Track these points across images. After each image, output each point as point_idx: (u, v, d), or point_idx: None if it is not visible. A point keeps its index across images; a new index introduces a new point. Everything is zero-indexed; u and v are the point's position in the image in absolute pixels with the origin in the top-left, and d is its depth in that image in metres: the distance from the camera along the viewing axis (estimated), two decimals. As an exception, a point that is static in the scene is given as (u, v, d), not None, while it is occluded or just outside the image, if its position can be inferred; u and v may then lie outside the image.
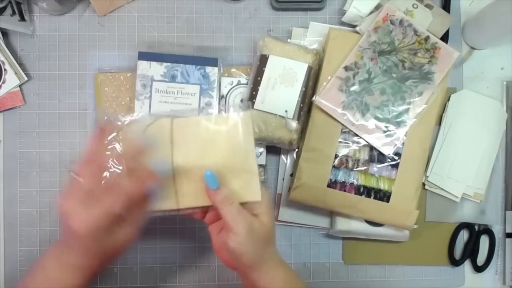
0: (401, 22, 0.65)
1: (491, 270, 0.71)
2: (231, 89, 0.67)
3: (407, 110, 0.64)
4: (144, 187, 0.48)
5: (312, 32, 0.69)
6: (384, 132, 0.64)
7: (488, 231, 0.70)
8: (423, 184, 0.69)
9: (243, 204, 0.50)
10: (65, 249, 0.49)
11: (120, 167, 0.48)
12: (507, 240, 0.70)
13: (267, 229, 0.50)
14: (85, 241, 0.47)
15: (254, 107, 0.63)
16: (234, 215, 0.48)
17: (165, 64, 0.65)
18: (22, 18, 0.66)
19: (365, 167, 0.64)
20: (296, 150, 0.68)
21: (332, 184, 0.64)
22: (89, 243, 0.47)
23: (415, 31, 0.65)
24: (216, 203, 0.49)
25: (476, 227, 0.71)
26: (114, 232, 0.48)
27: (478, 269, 0.70)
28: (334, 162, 0.64)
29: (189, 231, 0.68)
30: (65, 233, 0.48)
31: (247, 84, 0.67)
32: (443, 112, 0.70)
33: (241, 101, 0.66)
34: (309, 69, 0.64)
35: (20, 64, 0.67)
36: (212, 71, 0.66)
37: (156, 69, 0.65)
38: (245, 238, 0.48)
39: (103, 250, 0.49)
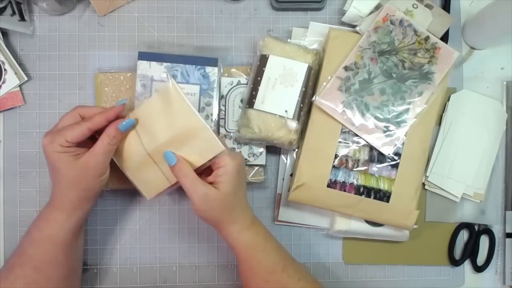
0: (401, 22, 0.65)
1: (491, 270, 0.71)
2: (231, 89, 0.67)
3: (407, 110, 0.64)
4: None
5: (312, 32, 0.69)
6: (384, 132, 0.64)
7: (488, 231, 0.70)
8: (423, 184, 0.69)
9: (212, 163, 0.57)
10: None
11: None
12: (507, 240, 0.70)
13: (223, 197, 0.55)
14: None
15: (254, 107, 0.64)
16: (189, 186, 0.54)
17: (165, 64, 0.65)
18: (22, 18, 0.66)
19: (365, 167, 0.64)
20: (296, 150, 0.68)
21: (332, 184, 0.64)
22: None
23: (415, 31, 0.65)
24: (176, 177, 0.56)
25: (476, 227, 0.71)
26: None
27: (478, 269, 0.70)
28: (334, 162, 0.64)
29: (189, 231, 0.68)
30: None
31: (247, 84, 0.67)
32: (443, 112, 0.70)
33: (241, 101, 0.66)
34: (309, 69, 0.64)
35: (20, 64, 0.67)
36: (212, 71, 0.66)
37: (156, 69, 0.65)
38: (200, 206, 0.54)
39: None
